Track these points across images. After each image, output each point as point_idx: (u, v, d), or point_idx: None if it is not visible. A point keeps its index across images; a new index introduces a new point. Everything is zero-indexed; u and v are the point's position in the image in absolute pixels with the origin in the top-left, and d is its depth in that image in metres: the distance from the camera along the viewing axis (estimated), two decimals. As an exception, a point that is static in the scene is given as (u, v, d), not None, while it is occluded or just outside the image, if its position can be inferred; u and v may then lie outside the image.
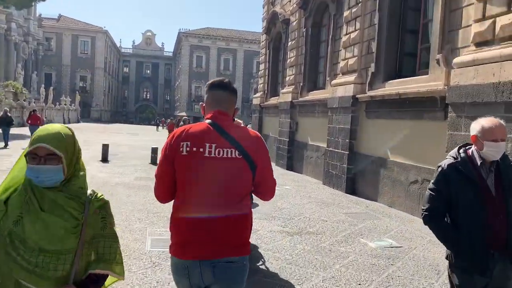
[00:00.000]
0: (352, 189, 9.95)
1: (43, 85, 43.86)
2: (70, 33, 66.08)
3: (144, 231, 5.71)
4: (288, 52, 15.36)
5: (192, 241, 1.95)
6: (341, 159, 10.33)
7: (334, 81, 11.22)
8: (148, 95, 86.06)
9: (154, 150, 13.62)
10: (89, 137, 25.84)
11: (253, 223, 6.96)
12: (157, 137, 28.98)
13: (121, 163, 13.57)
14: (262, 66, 20.00)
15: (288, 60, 15.27)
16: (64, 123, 44.43)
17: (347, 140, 10.14)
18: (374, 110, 9.47)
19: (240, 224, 2.02)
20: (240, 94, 69.54)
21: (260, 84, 19.95)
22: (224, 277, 1.95)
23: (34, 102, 36.34)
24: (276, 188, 2.24)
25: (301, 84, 14.03)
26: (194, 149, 1.96)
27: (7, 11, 39.41)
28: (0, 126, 17.22)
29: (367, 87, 9.66)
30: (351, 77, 10.24)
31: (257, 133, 2.18)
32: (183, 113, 56.88)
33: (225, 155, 1.96)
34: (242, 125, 5.62)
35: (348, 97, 10.17)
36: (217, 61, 67.41)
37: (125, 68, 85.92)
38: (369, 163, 9.47)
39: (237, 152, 1.97)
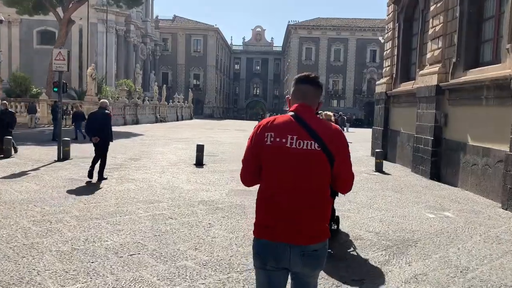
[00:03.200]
0: None
1: (155, 83, 45.32)
2: (183, 33, 68.43)
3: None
4: (431, 20, 11.37)
5: (279, 226, 2.03)
6: (544, 173, 6.35)
7: (521, 49, 7.20)
8: (257, 91, 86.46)
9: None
10: (194, 134, 24.70)
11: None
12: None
13: (217, 167, 11.25)
14: (387, 45, 16.08)
15: (431, 31, 11.29)
16: (177, 120, 45.56)
17: (557, 142, 6.15)
18: None
19: (321, 213, 2.08)
20: (352, 85, 65.10)
21: (386, 67, 16.05)
22: (311, 262, 2.06)
23: (148, 100, 37.29)
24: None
25: (453, 60, 10.03)
26: (278, 139, 2.05)
27: (126, 14, 41.25)
28: (73, 121, 17.92)
29: None
30: None
31: (338, 127, 2.15)
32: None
33: (305, 147, 2.02)
34: (332, 117, 5.31)
35: (558, 70, 6.16)
36: (327, 52, 64.13)
37: (236, 65, 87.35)
38: None
39: (316, 144, 2.01)
